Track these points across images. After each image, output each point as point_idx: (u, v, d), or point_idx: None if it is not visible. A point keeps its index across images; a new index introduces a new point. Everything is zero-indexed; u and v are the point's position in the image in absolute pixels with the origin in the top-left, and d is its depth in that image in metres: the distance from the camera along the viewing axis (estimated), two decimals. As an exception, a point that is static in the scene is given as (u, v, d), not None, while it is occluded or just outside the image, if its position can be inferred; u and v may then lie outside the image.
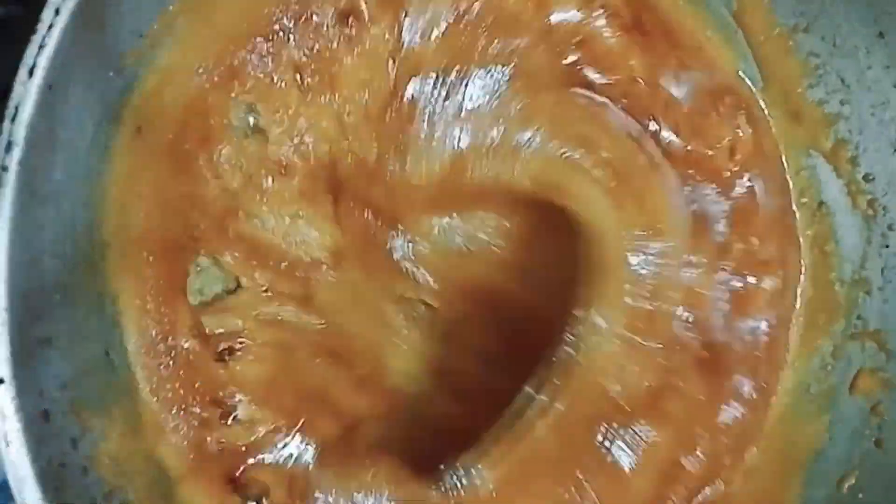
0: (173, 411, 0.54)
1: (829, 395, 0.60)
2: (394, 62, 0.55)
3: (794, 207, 0.61)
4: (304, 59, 0.56)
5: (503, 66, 0.56)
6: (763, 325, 0.60)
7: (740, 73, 0.61)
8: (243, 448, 0.56)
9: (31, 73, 0.43)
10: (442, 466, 0.54)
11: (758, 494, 0.60)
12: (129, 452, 0.51)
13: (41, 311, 0.46)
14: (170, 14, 0.52)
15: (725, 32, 0.61)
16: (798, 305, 0.61)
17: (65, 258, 0.48)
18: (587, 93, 0.57)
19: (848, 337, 0.60)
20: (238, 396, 0.56)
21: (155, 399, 0.54)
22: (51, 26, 0.43)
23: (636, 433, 0.55)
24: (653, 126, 0.58)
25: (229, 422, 0.56)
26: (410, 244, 0.59)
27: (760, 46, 0.60)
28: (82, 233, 0.49)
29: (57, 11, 0.43)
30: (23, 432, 0.43)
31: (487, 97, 0.56)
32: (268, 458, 0.56)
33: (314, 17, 0.55)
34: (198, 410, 0.55)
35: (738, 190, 0.59)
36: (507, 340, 0.60)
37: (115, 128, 0.51)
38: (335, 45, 0.56)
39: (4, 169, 0.42)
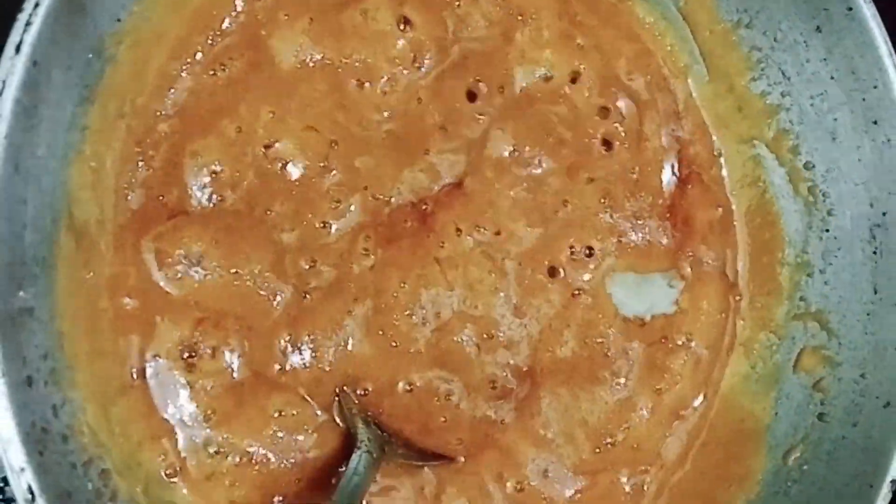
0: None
1: (774, 373, 0.62)
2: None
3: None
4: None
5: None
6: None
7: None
8: None
9: (17, 49, 0.44)
10: None
11: (710, 470, 0.62)
12: (106, 425, 0.52)
13: (23, 282, 0.46)
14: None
15: (675, 28, 0.64)
16: (743, 287, 0.64)
17: (44, 233, 0.48)
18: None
19: (791, 318, 0.62)
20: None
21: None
22: (36, 5, 0.44)
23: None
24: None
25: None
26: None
27: (706, 41, 0.63)
28: (60, 210, 0.50)
29: (43, -9, 0.44)
30: (8, 396, 0.43)
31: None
32: None
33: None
34: None
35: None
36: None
37: (92, 108, 0.52)
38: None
39: (-9, 141, 0.43)
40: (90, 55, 0.50)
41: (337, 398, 0.57)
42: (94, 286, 0.53)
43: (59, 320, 0.49)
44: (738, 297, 0.64)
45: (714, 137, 0.65)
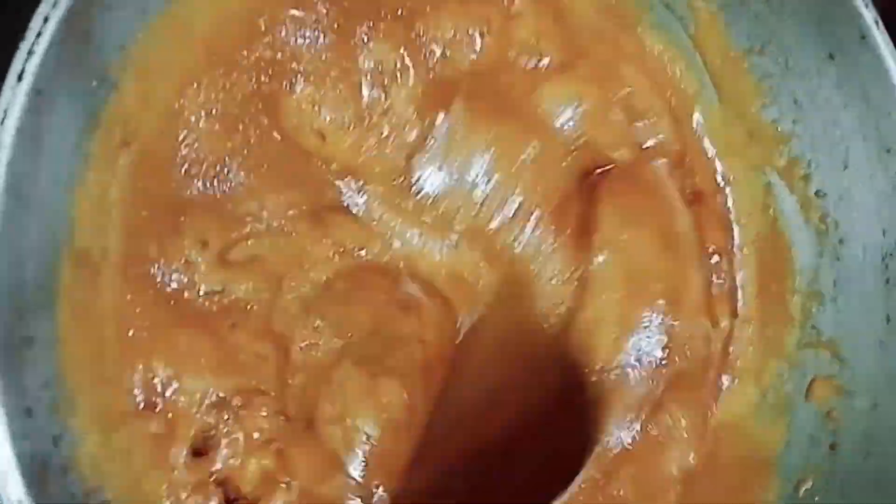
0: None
1: (785, 402, 0.61)
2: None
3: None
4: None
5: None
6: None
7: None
8: None
9: (20, 77, 0.44)
10: None
11: (719, 500, 0.61)
12: (107, 455, 0.51)
13: (24, 311, 0.46)
14: (151, 27, 0.53)
15: (685, 55, 0.63)
16: (754, 316, 0.63)
17: (46, 262, 0.48)
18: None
19: (803, 346, 0.61)
20: None
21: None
22: (39, 34, 0.44)
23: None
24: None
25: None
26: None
27: (717, 68, 0.63)
28: (62, 238, 0.50)
29: (46, 20, 0.44)
30: (7, 427, 0.43)
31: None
32: None
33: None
34: None
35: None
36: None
37: (96, 136, 0.52)
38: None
39: (-7, 170, 0.43)
40: (94, 83, 0.50)
41: None
42: (99, 315, 0.53)
43: (61, 349, 0.49)
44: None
45: (721, 166, 0.64)
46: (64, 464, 0.48)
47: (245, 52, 0.57)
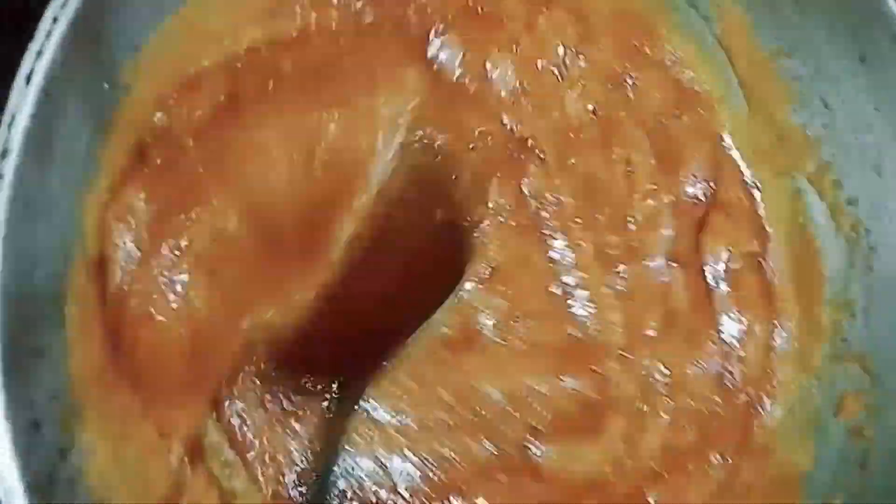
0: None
1: (814, 417, 0.60)
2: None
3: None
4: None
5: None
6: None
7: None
8: None
9: (28, 79, 0.43)
10: None
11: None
12: (116, 466, 0.50)
13: (33, 321, 0.45)
14: (165, 27, 0.52)
15: (711, 57, 0.62)
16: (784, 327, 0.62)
17: (56, 270, 0.48)
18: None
19: (832, 359, 0.60)
20: None
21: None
22: (48, 34, 0.43)
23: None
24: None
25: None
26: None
27: (744, 70, 0.61)
28: (72, 246, 0.49)
29: (55, 20, 0.43)
30: (12, 442, 0.42)
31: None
32: None
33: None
34: None
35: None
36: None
37: (108, 140, 0.51)
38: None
39: (1, 176, 0.42)
40: (106, 85, 0.49)
41: None
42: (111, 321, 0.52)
43: (71, 359, 0.48)
44: None
45: (749, 171, 0.63)
46: (71, 477, 0.47)
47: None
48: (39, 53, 0.43)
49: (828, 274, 0.60)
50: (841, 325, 0.60)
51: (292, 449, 0.57)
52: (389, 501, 0.56)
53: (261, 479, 0.56)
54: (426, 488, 0.56)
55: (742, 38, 0.61)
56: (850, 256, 0.59)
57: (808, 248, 0.61)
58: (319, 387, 0.58)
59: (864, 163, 0.58)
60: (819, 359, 0.60)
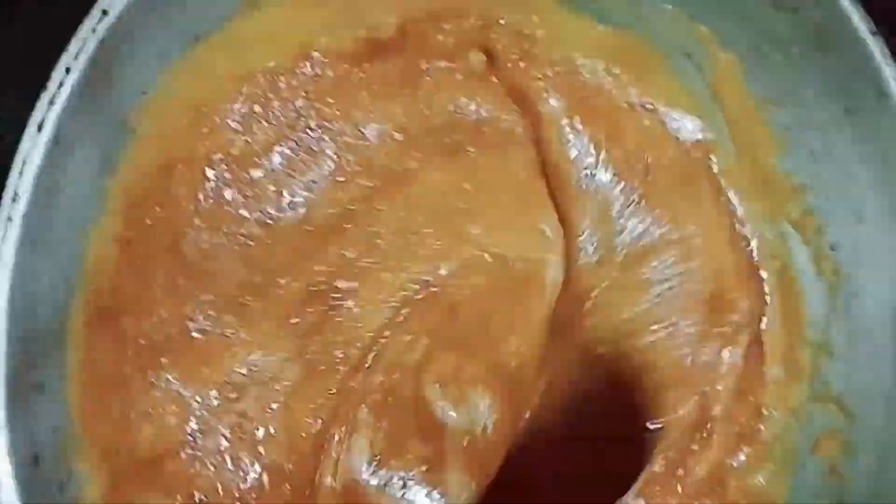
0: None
1: (790, 455, 0.61)
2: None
3: (763, 272, 0.63)
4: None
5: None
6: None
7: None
8: None
9: (39, 128, 0.44)
10: None
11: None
12: (112, 496, 0.51)
13: (35, 357, 0.46)
14: (171, 71, 0.53)
15: (702, 104, 0.63)
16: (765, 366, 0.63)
17: (59, 306, 0.48)
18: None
19: (811, 399, 0.61)
20: None
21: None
22: (61, 84, 0.44)
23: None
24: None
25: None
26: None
27: (734, 117, 0.62)
28: (76, 282, 0.50)
29: (68, 70, 0.44)
30: (13, 476, 0.43)
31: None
32: None
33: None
34: None
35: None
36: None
37: (113, 180, 0.52)
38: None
39: (10, 220, 0.43)
40: (113, 128, 0.50)
41: None
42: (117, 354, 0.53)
43: (72, 394, 0.49)
44: None
45: (741, 211, 0.64)
46: (69, 509, 0.48)
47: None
48: (51, 103, 0.44)
49: (809, 317, 0.61)
50: (821, 367, 0.60)
51: None
52: None
53: None
54: None
55: (733, 87, 0.61)
56: (832, 300, 0.60)
57: (790, 290, 0.62)
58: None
59: (846, 211, 0.58)
60: (798, 398, 0.61)
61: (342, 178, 0.60)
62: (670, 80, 0.63)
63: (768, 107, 0.60)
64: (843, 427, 0.59)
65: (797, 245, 0.62)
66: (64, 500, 0.47)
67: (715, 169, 0.64)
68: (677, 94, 0.64)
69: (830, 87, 0.57)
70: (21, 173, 0.43)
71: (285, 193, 0.59)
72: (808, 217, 0.61)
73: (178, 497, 0.54)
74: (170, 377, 0.55)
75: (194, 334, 0.56)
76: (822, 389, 0.60)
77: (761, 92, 0.60)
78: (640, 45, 0.63)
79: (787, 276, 0.62)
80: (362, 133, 0.60)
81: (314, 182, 0.60)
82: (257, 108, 0.58)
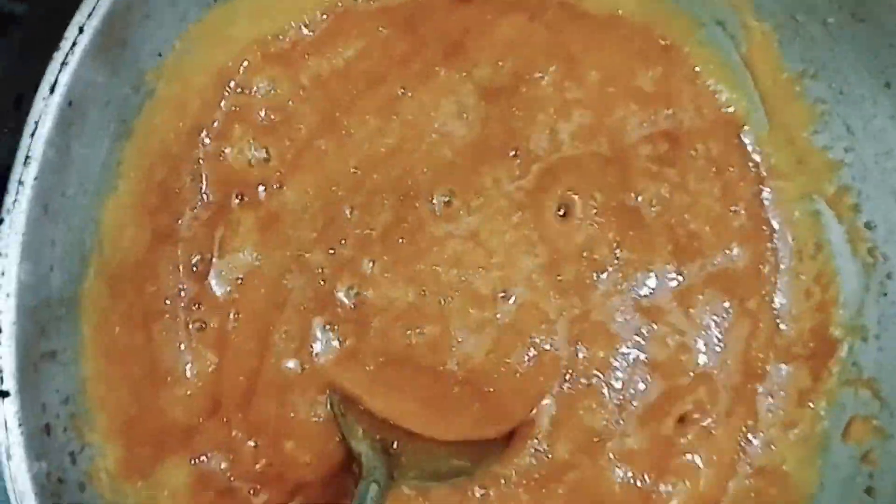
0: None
1: (821, 441, 0.60)
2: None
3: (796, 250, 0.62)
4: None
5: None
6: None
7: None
8: None
9: (52, 89, 0.43)
10: None
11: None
12: (126, 469, 0.51)
13: (47, 325, 0.46)
14: (189, 34, 0.52)
15: (734, 75, 0.61)
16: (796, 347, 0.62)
17: (72, 273, 0.48)
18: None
19: (842, 383, 0.59)
20: None
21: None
22: (74, 44, 0.43)
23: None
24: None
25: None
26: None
27: (768, 90, 0.61)
28: (89, 249, 0.49)
29: (81, 30, 0.43)
30: (24, 446, 0.43)
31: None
32: None
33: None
34: None
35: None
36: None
37: (128, 144, 0.51)
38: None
39: (21, 183, 0.42)
40: (128, 91, 0.49)
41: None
42: (127, 322, 0.52)
43: (84, 362, 0.49)
44: None
45: (769, 189, 0.62)
46: (81, 480, 0.47)
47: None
48: (64, 63, 0.43)
49: (843, 297, 0.60)
50: (853, 349, 0.59)
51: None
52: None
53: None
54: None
55: (768, 59, 0.60)
56: (866, 281, 0.59)
57: (824, 270, 0.61)
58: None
59: (883, 188, 0.57)
60: (829, 381, 0.60)
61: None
62: (702, 49, 0.62)
63: (803, 79, 0.59)
64: (875, 412, 0.57)
65: (832, 223, 0.60)
66: (76, 470, 0.47)
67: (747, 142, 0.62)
68: (708, 63, 0.62)
69: (868, 60, 0.55)
70: (33, 135, 0.42)
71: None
72: (843, 194, 0.59)
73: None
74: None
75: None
76: (854, 372, 0.59)
77: (797, 63, 0.59)
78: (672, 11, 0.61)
79: (820, 255, 0.61)
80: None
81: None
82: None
